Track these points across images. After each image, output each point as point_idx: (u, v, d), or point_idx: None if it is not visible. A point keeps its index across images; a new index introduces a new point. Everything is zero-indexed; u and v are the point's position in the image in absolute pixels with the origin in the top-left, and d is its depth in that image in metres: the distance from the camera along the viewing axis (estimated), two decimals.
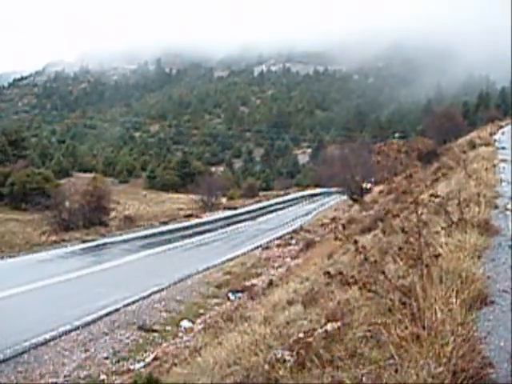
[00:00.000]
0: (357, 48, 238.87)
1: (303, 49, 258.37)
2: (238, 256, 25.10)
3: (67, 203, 37.25)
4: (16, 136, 74.15)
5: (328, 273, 4.60)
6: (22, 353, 11.15)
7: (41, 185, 50.65)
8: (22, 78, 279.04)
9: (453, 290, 4.34)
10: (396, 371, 3.55)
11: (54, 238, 31.79)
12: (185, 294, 16.81)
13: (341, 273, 4.49)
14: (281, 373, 4.26)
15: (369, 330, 4.27)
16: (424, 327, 3.80)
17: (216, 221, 43.39)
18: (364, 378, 3.69)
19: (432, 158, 26.05)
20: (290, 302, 8.26)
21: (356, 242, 4.57)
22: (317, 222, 38.79)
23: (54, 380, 9.83)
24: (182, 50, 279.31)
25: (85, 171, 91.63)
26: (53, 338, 12.14)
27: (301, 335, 4.61)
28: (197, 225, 39.68)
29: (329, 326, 4.65)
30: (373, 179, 43.58)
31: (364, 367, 3.82)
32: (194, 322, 13.69)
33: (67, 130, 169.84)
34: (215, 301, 16.03)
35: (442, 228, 6.68)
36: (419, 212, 4.66)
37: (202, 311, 14.87)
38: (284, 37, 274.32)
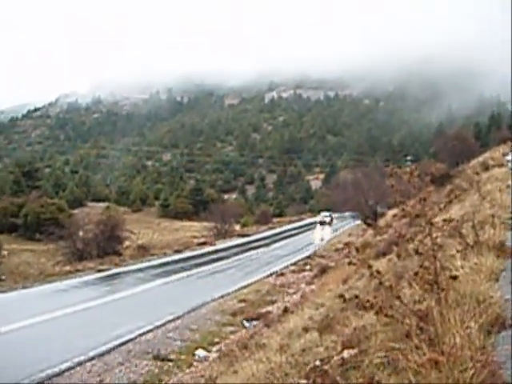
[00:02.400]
0: (367, 72, 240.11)
1: (314, 75, 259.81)
2: (252, 283, 24.98)
3: (81, 233, 37.39)
4: (29, 167, 74.88)
5: (343, 296, 4.55)
6: None
7: (54, 215, 51.00)
8: (36, 110, 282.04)
9: (470, 314, 4.27)
10: None
11: (68, 268, 31.83)
12: (200, 323, 16.71)
13: (356, 296, 4.44)
14: None
15: (386, 356, 4.21)
16: (442, 353, 3.73)
17: (230, 248, 43.33)
18: None
19: (445, 180, 25.98)
20: (306, 329, 8.17)
21: (370, 266, 4.53)
22: (331, 247, 38.63)
23: None
24: (193, 78, 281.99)
25: (98, 201, 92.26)
26: (68, 369, 12.07)
27: (317, 363, 4.55)
28: (210, 252, 39.62)
29: (345, 353, 4.59)
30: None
31: None
32: (209, 351, 13.59)
33: (80, 160, 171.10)
34: (230, 329, 15.91)
35: (458, 251, 6.61)
36: (434, 235, 4.61)
37: (217, 339, 14.76)
38: (294, 63, 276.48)
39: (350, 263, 4.86)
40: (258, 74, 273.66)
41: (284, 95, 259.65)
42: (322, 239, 49.63)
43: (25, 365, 12.23)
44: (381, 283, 4.46)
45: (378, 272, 4.50)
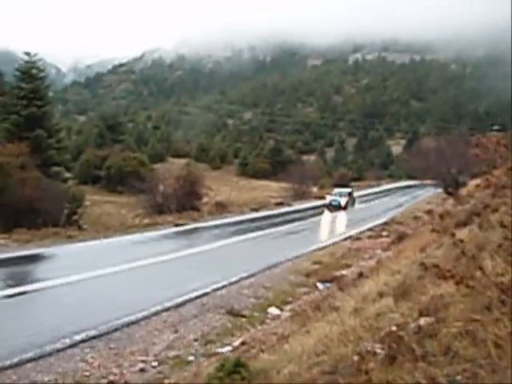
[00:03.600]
0: (456, 37, 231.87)
1: (402, 38, 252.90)
2: (327, 246, 24.97)
3: (161, 187, 38.12)
4: (113, 121, 76.54)
5: (423, 264, 4.48)
6: (115, 330, 11.49)
7: (136, 169, 52.17)
8: (121, 65, 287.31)
9: None
10: (493, 371, 3.42)
11: (147, 220, 32.65)
12: (273, 282, 16.85)
13: (437, 266, 4.36)
14: (370, 365, 4.19)
15: (464, 327, 4.13)
16: None
17: (306, 210, 43.37)
18: (458, 376, 3.57)
19: None
20: (381, 295, 8.12)
21: (453, 234, 4.44)
22: (409, 214, 38.05)
23: (144, 358, 10.06)
24: (276, 37, 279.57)
25: (178, 157, 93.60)
26: (144, 318, 12.44)
27: (393, 328, 4.52)
28: (287, 213, 39.75)
29: (422, 321, 4.54)
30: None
31: (459, 365, 3.70)
32: (281, 310, 13.71)
33: (162, 116, 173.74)
34: (303, 289, 15.98)
35: None
36: None
37: (290, 299, 14.86)
38: (382, 26, 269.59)
39: (433, 230, 4.76)
40: (343, 35, 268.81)
41: (368, 58, 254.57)
42: (333, 233, 31.83)
43: (103, 311, 12.69)
44: (463, 253, 4.37)
45: (461, 241, 4.40)
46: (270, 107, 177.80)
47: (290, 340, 7.81)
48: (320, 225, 34.14)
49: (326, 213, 42.37)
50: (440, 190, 50.79)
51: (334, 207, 45.40)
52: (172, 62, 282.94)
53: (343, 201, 46.84)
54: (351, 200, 49.04)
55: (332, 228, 34.24)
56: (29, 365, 9.36)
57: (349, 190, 52.50)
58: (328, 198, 48.06)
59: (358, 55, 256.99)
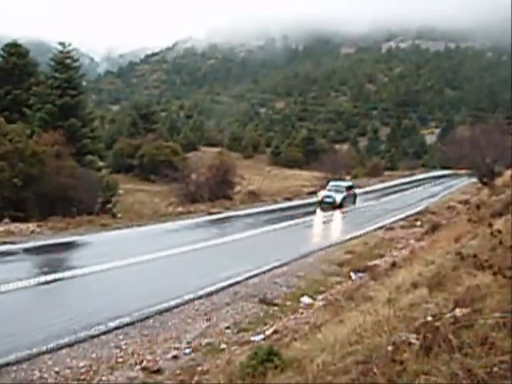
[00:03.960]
0: (492, 25, 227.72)
1: (437, 25, 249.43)
2: (360, 235, 24.85)
3: (194, 176, 38.28)
4: (146, 110, 76.98)
5: (460, 254, 4.42)
6: (148, 317, 11.60)
7: (169, 157, 52.47)
8: (153, 54, 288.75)
9: None
10: None
11: (180, 209, 32.81)
12: (306, 271, 16.84)
13: (475, 255, 4.29)
14: (405, 356, 4.15)
15: (502, 318, 4.07)
16: None
17: None
18: (495, 368, 3.52)
19: None
20: (415, 285, 8.06)
21: (491, 224, 4.37)
22: (443, 204, 37.65)
23: (177, 345, 10.14)
24: (309, 26, 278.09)
25: (211, 145, 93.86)
26: (177, 306, 12.54)
27: (428, 319, 4.47)
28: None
29: (457, 312, 4.48)
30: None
31: (496, 356, 3.65)
32: (314, 299, 13.70)
33: (195, 106, 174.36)
34: (336, 279, 15.94)
35: None
36: None
37: (322, 288, 14.84)
38: (416, 13, 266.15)
39: (469, 220, 4.70)
40: (377, 23, 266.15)
41: (402, 46, 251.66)
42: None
43: (136, 299, 12.82)
44: (500, 243, 4.30)
45: (499, 231, 4.33)
46: (302, 96, 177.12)
47: (323, 329, 7.80)
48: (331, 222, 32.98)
49: (319, 213, 34.40)
50: (474, 180, 50.18)
51: (328, 205, 36.45)
52: (204, 51, 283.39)
53: (339, 197, 37.34)
54: (351, 196, 39.37)
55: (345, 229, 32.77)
56: (64, 350, 9.52)
57: (348, 183, 43.37)
58: (320, 194, 38.58)
59: (392, 43, 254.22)
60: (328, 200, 37.04)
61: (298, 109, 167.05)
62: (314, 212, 33.06)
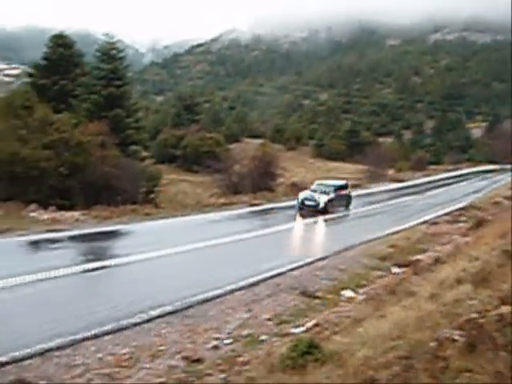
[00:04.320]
0: None
1: (481, 17, 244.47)
2: (403, 230, 24.58)
3: (236, 167, 38.39)
4: (190, 101, 77.29)
5: (506, 251, 4.34)
6: (189, 307, 11.69)
7: (212, 148, 52.62)
8: (198, 46, 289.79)
9: None
10: None
11: (222, 200, 32.96)
12: (348, 264, 16.74)
13: None
14: (449, 352, 4.10)
15: None
16: None
17: (382, 192, 42.82)
18: None
19: None
20: (459, 281, 7.94)
21: None
22: (489, 199, 36.98)
23: (217, 335, 10.20)
24: (353, 17, 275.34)
25: (253, 137, 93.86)
26: (218, 296, 12.61)
27: (473, 316, 4.41)
28: (362, 195, 39.33)
29: (503, 309, 4.40)
30: None
31: None
32: (355, 292, 13.63)
33: (238, 97, 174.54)
34: (378, 273, 15.82)
35: None
36: None
37: (364, 282, 14.73)
38: (464, 4, 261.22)
39: None
40: (423, 15, 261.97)
41: (449, 37, 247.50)
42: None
43: (178, 288, 12.94)
44: None
45: None
46: (346, 88, 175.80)
47: (364, 323, 7.76)
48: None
49: (299, 220, 27.65)
50: None
51: (309, 208, 29.53)
52: (248, 42, 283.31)
53: (323, 199, 29.77)
54: (342, 199, 31.68)
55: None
56: (107, 337, 9.67)
57: (340, 182, 33.92)
58: (300, 195, 30.86)
59: (438, 35, 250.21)
60: (309, 203, 29.74)
61: (341, 101, 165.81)
62: (356, 205, 32.66)
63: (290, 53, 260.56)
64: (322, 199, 29.67)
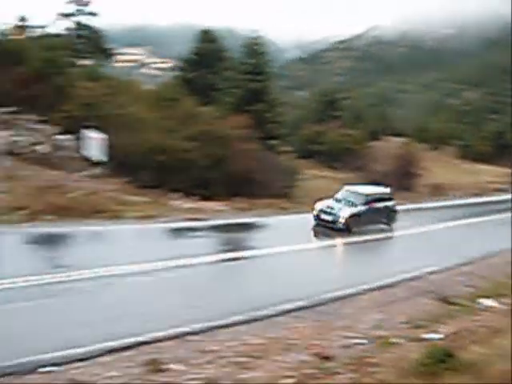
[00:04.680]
0: None
1: None
2: None
3: (377, 165, 37.86)
4: (331, 97, 77.08)
5: None
6: (323, 303, 11.67)
7: (352, 146, 52.18)
8: (341, 42, 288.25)
9: None
10: None
11: None
12: (489, 272, 16.04)
13: None
14: None
15: None
16: None
17: None
18: None
19: None
20: None
21: None
22: None
23: (349, 334, 10.09)
24: (504, 12, 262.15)
25: (395, 135, 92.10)
26: (352, 295, 12.52)
27: None
28: (508, 201, 37.36)
29: None
30: None
31: None
32: (495, 302, 13.02)
33: (380, 94, 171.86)
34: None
35: None
36: None
37: (505, 292, 14.04)
38: None
39: None
40: None
41: None
42: None
43: (311, 284, 12.99)
44: None
45: None
46: (495, 87, 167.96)
47: (504, 335, 7.42)
48: None
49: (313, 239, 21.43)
50: None
51: (326, 224, 21.56)
52: (391, 39, 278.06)
53: (344, 213, 21.52)
54: (377, 214, 23.00)
55: None
56: (240, 327, 9.86)
57: (378, 189, 24.73)
58: (317, 206, 22.37)
59: None
60: (326, 217, 21.74)
61: (490, 100, 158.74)
62: (503, 210, 31.04)
63: (434, 50, 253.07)
64: (344, 213, 21.52)
